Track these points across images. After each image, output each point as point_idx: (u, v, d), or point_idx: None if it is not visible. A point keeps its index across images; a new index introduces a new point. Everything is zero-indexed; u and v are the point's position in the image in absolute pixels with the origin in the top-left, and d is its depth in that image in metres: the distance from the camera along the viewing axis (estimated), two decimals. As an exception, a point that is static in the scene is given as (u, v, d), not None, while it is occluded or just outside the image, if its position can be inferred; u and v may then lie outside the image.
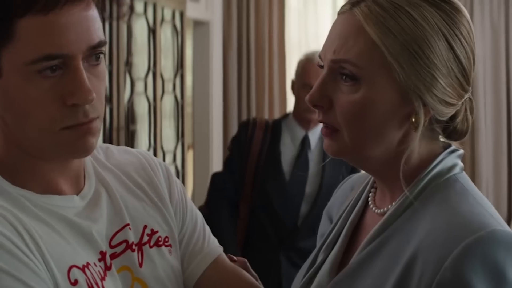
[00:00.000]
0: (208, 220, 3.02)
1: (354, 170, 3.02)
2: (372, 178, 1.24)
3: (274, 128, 3.20)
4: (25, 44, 1.01)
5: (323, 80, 1.13)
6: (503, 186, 5.10)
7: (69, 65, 1.03)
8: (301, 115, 3.13)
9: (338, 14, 1.14)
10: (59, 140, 1.05)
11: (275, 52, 4.79)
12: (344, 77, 1.10)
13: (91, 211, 1.13)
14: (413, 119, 1.09)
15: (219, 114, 4.69)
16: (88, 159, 1.19)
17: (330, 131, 1.13)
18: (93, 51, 1.05)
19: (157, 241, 1.20)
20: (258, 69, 4.78)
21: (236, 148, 3.26)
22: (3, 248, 0.98)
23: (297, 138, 3.17)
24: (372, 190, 1.23)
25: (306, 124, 3.14)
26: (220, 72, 4.70)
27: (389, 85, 1.08)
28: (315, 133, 3.16)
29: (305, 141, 3.17)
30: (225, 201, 3.19)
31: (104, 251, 1.11)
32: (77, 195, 1.13)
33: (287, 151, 3.18)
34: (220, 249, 1.30)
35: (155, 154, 3.66)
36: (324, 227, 1.37)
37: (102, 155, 1.23)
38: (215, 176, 3.29)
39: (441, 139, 1.16)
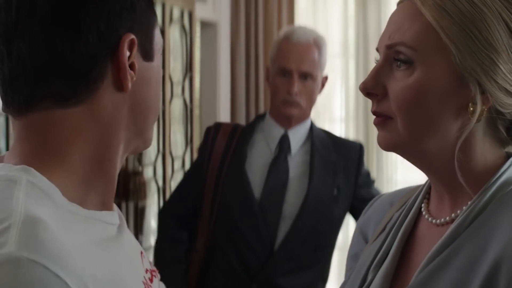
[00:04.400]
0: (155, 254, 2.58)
1: (358, 178, 2.56)
2: (425, 188, 1.18)
3: (244, 131, 2.58)
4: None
5: (378, 68, 1.10)
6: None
7: None
8: (279, 110, 2.50)
9: (397, 5, 1.12)
10: None
11: (284, 53, 4.67)
12: (399, 63, 1.08)
13: (122, 231, 1.04)
14: (471, 108, 1.04)
15: (227, 116, 4.59)
16: None
17: (383, 119, 1.09)
18: None
19: (153, 269, 1.13)
20: (265, 68, 4.66)
21: (195, 163, 2.66)
22: None
23: (273, 138, 2.53)
24: (424, 200, 1.17)
25: (286, 121, 2.51)
26: (227, 74, 4.60)
27: (445, 68, 1.05)
28: (297, 133, 2.54)
29: (283, 142, 2.52)
30: (171, 227, 2.55)
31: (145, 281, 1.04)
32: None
33: (260, 155, 2.52)
34: None
35: (164, 160, 3.56)
36: (357, 246, 1.30)
37: None
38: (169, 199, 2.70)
39: (505, 148, 1.11)
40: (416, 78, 1.06)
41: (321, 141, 2.56)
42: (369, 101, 4.21)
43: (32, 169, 0.92)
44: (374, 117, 1.12)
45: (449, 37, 1.04)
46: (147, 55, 1.00)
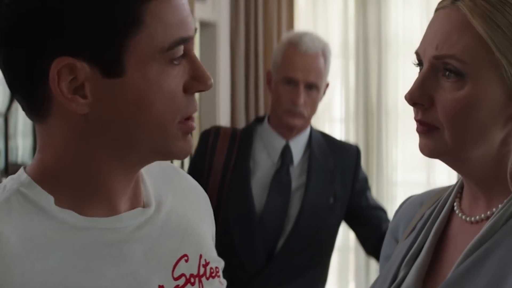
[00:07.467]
0: None
1: (355, 183, 2.49)
2: (456, 187, 1.20)
3: (243, 138, 2.47)
4: (158, 29, 0.92)
5: (423, 77, 1.09)
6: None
7: (186, 51, 0.95)
8: (281, 119, 2.42)
9: (437, 10, 1.12)
10: (173, 134, 0.95)
11: (283, 54, 4.66)
12: (447, 73, 1.07)
13: (137, 236, 1.01)
14: None
15: (227, 117, 4.58)
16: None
17: (429, 129, 1.09)
18: None
19: (211, 272, 1.10)
20: (266, 71, 4.65)
21: (193, 168, 2.52)
22: None
23: (274, 149, 2.44)
24: (456, 199, 1.20)
25: (287, 130, 2.43)
26: (227, 75, 4.59)
27: (495, 82, 1.06)
28: (298, 143, 2.47)
29: (285, 153, 2.44)
30: None
31: None
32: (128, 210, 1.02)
33: (261, 167, 2.44)
34: None
35: (163, 160, 3.54)
36: (388, 248, 1.32)
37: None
38: None
39: None
40: (467, 92, 1.06)
41: (320, 147, 2.51)
42: (369, 101, 4.23)
43: (29, 179, 0.94)
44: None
45: (501, 52, 1.05)
46: (110, 71, 0.91)
